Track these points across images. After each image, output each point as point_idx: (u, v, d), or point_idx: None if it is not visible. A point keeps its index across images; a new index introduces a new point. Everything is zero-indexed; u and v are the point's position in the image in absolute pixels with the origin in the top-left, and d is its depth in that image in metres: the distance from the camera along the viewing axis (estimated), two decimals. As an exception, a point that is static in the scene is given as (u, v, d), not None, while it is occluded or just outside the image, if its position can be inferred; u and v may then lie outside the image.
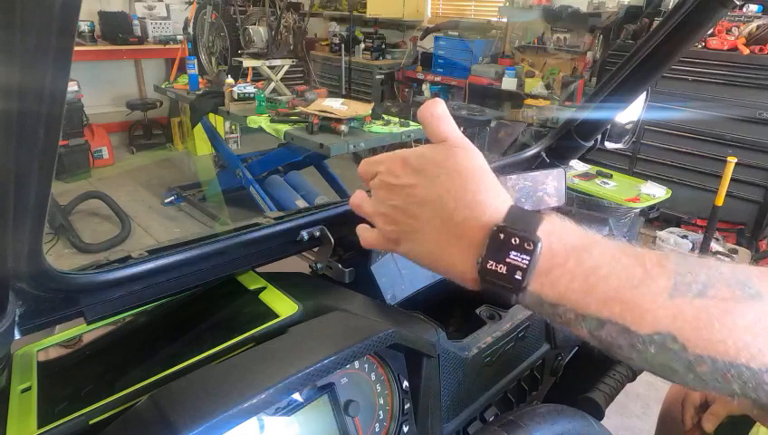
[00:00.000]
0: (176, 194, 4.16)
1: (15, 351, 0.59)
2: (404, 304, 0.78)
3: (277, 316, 0.60)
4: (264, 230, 0.69)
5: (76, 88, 4.46)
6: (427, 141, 0.49)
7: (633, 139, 1.14)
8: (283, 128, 3.12)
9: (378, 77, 5.54)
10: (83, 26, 5.20)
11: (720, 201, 2.86)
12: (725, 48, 3.37)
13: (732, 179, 2.84)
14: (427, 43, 5.46)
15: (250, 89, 3.58)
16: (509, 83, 4.69)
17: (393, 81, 5.64)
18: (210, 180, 4.21)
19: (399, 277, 0.79)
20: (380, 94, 5.55)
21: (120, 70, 5.71)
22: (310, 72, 6.03)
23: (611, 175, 3.14)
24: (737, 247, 3.25)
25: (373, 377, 0.61)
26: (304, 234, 0.72)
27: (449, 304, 0.86)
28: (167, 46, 5.51)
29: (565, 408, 0.65)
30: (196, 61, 4.09)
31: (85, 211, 3.77)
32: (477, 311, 0.80)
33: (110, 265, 0.57)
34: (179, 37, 5.42)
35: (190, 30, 4.99)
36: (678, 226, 3.60)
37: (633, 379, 0.98)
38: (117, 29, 5.29)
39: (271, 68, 4.23)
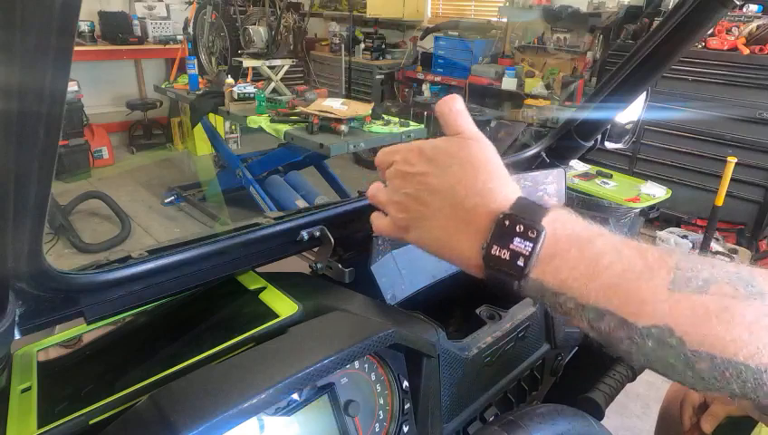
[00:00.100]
0: (176, 194, 4.16)
1: (15, 351, 0.59)
2: (404, 304, 0.78)
3: (277, 316, 0.60)
4: (264, 230, 0.69)
5: (76, 88, 4.46)
6: (442, 134, 0.50)
7: (633, 139, 1.14)
8: (283, 128, 3.12)
9: (378, 77, 5.54)
10: (83, 26, 5.20)
11: (720, 201, 2.86)
12: (725, 48, 3.37)
13: (732, 179, 2.84)
14: (427, 43, 5.46)
15: (250, 89, 3.58)
16: (509, 83, 4.69)
17: (393, 81, 5.64)
18: (210, 180, 4.21)
19: (399, 277, 0.79)
20: (380, 94, 5.55)
21: (120, 70, 5.71)
22: (310, 72, 6.03)
23: (611, 175, 3.14)
24: (737, 247, 3.25)
25: (373, 377, 0.61)
26: (304, 234, 0.72)
27: (449, 304, 0.86)
28: (167, 46, 5.51)
29: (565, 408, 0.65)
30: (196, 61, 4.09)
31: (85, 211, 3.77)
32: (477, 311, 0.80)
33: (110, 265, 0.57)
34: (179, 37, 5.42)
35: (190, 30, 4.99)
36: (678, 226, 3.60)
37: (633, 379, 0.98)
38: (117, 29, 5.29)
39: (271, 68, 4.23)
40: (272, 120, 3.25)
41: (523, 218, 0.41)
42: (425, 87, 5.34)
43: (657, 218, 3.48)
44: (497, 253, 0.42)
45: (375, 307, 0.68)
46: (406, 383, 0.63)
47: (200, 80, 4.08)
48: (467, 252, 0.44)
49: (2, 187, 0.35)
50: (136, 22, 5.48)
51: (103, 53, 5.26)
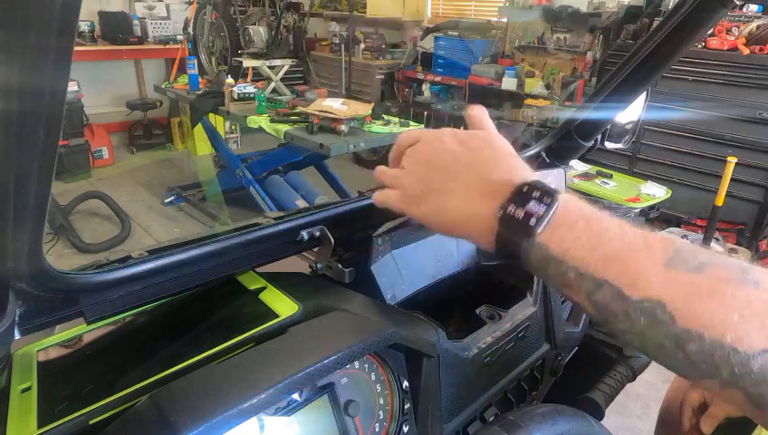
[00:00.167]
0: (176, 194, 4.16)
1: (15, 351, 0.59)
2: (404, 304, 0.78)
3: (277, 316, 0.60)
4: (264, 230, 0.69)
5: (76, 88, 4.46)
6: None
7: (633, 139, 1.14)
8: (283, 128, 3.12)
9: (378, 77, 5.54)
10: (83, 26, 5.20)
11: (720, 201, 2.86)
12: (725, 48, 3.37)
13: (732, 179, 2.84)
14: (427, 43, 5.45)
15: (250, 89, 3.58)
16: (509, 83, 4.69)
17: (393, 81, 5.64)
18: (210, 180, 4.21)
19: (399, 277, 0.79)
20: (380, 94, 5.54)
21: (120, 70, 5.71)
22: (310, 72, 6.02)
23: (611, 175, 3.14)
24: (737, 247, 3.25)
25: (373, 377, 0.61)
26: (304, 234, 0.72)
27: (449, 304, 0.86)
28: (167, 46, 5.51)
29: (565, 408, 0.65)
30: (196, 61, 4.09)
31: (85, 211, 3.77)
32: (477, 311, 0.80)
33: (110, 265, 0.57)
34: (179, 37, 5.42)
35: (190, 30, 4.99)
36: (678, 226, 3.60)
37: (633, 379, 0.98)
38: (117, 29, 5.29)
39: (271, 68, 4.23)
40: (272, 120, 3.25)
41: (542, 186, 0.45)
42: (425, 87, 5.34)
43: (657, 218, 3.47)
44: (512, 212, 0.45)
45: (375, 307, 0.68)
46: (406, 383, 0.63)
47: (200, 80, 4.08)
48: (484, 213, 0.47)
49: (2, 187, 0.35)
50: (136, 22, 5.48)
51: (103, 53, 5.26)
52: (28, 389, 0.53)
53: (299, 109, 3.23)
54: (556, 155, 1.11)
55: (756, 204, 3.41)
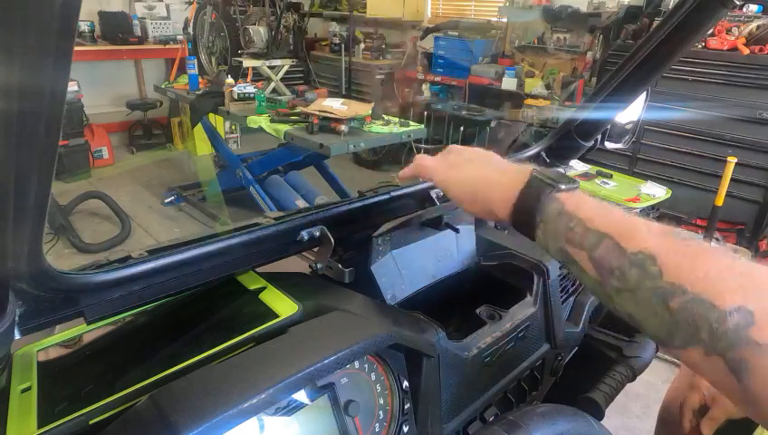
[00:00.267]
0: (176, 194, 4.16)
1: (15, 351, 0.59)
2: (404, 304, 0.78)
3: (277, 316, 0.60)
4: (264, 230, 0.69)
5: (76, 88, 4.46)
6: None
7: (633, 139, 1.14)
8: (283, 128, 3.12)
9: (378, 77, 5.54)
10: (83, 26, 5.20)
11: (720, 201, 2.86)
12: (725, 48, 3.37)
13: (732, 179, 2.84)
14: (427, 43, 5.45)
15: (250, 89, 3.58)
16: (509, 83, 4.69)
17: (393, 81, 5.64)
18: (210, 180, 4.21)
19: (399, 277, 0.79)
20: (380, 94, 5.54)
21: (120, 70, 5.71)
22: (310, 72, 6.02)
23: (611, 175, 3.13)
24: (737, 247, 3.25)
25: (373, 377, 0.61)
26: (304, 234, 0.72)
27: (449, 304, 0.86)
28: (167, 46, 5.51)
29: (565, 408, 0.65)
30: (196, 61, 4.08)
31: (85, 211, 3.77)
32: (477, 311, 0.80)
33: (110, 265, 0.57)
34: (179, 37, 5.42)
35: (190, 30, 4.99)
36: (678, 226, 3.59)
37: (633, 379, 0.98)
38: (117, 29, 5.29)
39: (271, 68, 4.23)
40: (272, 120, 3.25)
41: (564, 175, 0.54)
42: (425, 87, 5.34)
43: (657, 218, 3.47)
44: (542, 174, 0.53)
45: (375, 307, 0.68)
46: (406, 383, 0.63)
47: (200, 80, 4.08)
48: (506, 183, 0.55)
49: (2, 187, 0.35)
50: (136, 22, 5.47)
51: (103, 53, 5.25)
52: (28, 389, 0.53)
53: (299, 109, 3.23)
54: (556, 155, 1.11)
55: (756, 204, 3.41)
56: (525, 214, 0.52)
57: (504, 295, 0.84)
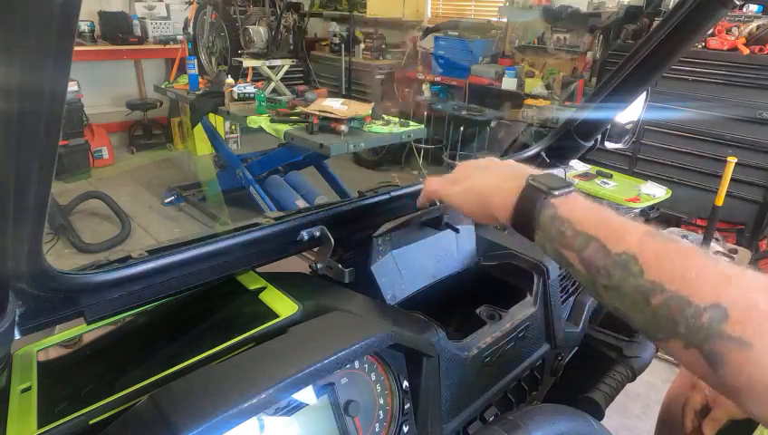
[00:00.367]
0: (176, 194, 4.16)
1: (15, 351, 0.59)
2: (404, 304, 0.78)
3: (277, 316, 0.60)
4: (264, 230, 0.69)
5: (76, 88, 4.46)
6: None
7: (633, 139, 1.14)
8: (283, 128, 3.12)
9: (378, 77, 5.54)
10: (83, 26, 5.20)
11: (720, 201, 2.85)
12: (725, 48, 3.37)
13: (732, 179, 2.84)
14: (427, 43, 5.45)
15: (250, 89, 3.58)
16: (509, 83, 4.68)
17: (393, 81, 5.64)
18: (210, 180, 4.21)
19: (399, 277, 0.79)
20: (380, 94, 5.54)
21: (120, 70, 5.71)
22: (310, 72, 6.02)
23: (611, 175, 3.13)
24: (737, 247, 3.25)
25: (373, 377, 0.61)
26: (304, 234, 0.72)
27: (449, 304, 0.86)
28: (167, 46, 5.51)
29: (565, 408, 0.65)
30: (196, 61, 4.08)
31: (85, 211, 3.77)
32: (477, 311, 0.80)
33: (110, 265, 0.57)
34: (179, 37, 5.42)
35: (190, 30, 4.98)
36: (678, 226, 3.59)
37: (633, 379, 0.98)
38: (117, 29, 5.29)
39: (271, 68, 4.23)
40: (272, 120, 3.25)
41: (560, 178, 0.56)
42: (425, 87, 5.34)
43: (657, 218, 3.47)
44: (538, 179, 0.56)
45: (375, 307, 0.68)
46: (406, 383, 0.63)
47: (200, 80, 4.08)
48: (507, 188, 0.58)
49: (2, 187, 0.35)
50: (136, 22, 5.47)
51: (103, 53, 5.25)
52: (28, 389, 0.53)
53: (299, 109, 3.23)
54: (556, 155, 1.11)
55: (756, 204, 3.41)
56: (523, 218, 0.56)
57: (503, 295, 0.84)
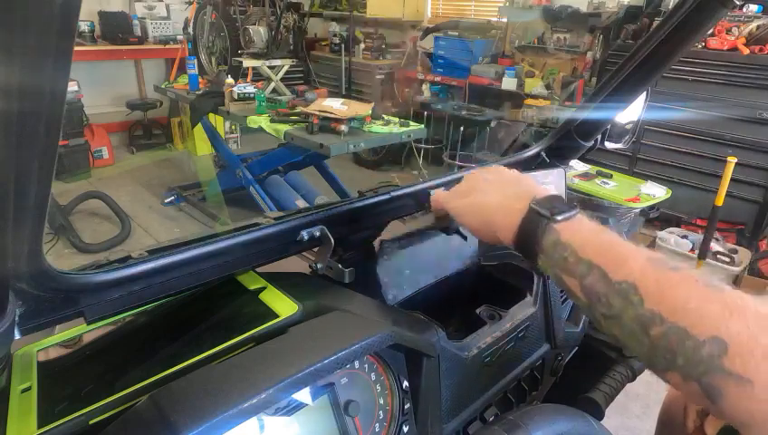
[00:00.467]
0: (176, 194, 4.16)
1: (15, 351, 0.59)
2: (404, 304, 0.78)
3: (277, 316, 0.60)
4: (264, 230, 0.69)
5: (76, 88, 4.46)
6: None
7: (633, 139, 1.14)
8: (283, 128, 3.12)
9: (378, 77, 5.54)
10: (83, 26, 5.20)
11: (720, 201, 2.86)
12: (725, 48, 3.37)
13: (732, 179, 2.84)
14: (427, 43, 5.45)
15: (250, 89, 3.58)
16: (509, 83, 4.69)
17: (393, 81, 5.64)
18: (210, 180, 4.21)
19: (399, 277, 0.79)
20: (380, 94, 5.54)
21: (120, 70, 5.71)
22: (310, 72, 6.02)
23: (611, 175, 3.13)
24: (737, 247, 3.25)
25: (373, 377, 0.61)
26: (304, 234, 0.72)
27: (449, 304, 0.86)
28: (167, 46, 5.51)
29: (565, 408, 0.65)
30: (196, 61, 4.08)
31: (85, 211, 3.77)
32: (477, 311, 0.80)
33: (110, 265, 0.57)
34: (179, 37, 5.42)
35: (190, 30, 4.98)
36: (678, 226, 3.60)
37: (633, 379, 0.98)
38: (117, 29, 5.29)
39: (271, 68, 4.23)
40: (272, 120, 3.25)
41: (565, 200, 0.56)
42: (425, 87, 5.34)
43: (657, 218, 3.47)
44: (542, 203, 0.55)
45: (375, 307, 0.69)
46: (406, 383, 0.63)
47: (200, 80, 4.08)
48: (512, 209, 0.57)
49: (2, 187, 0.35)
50: (136, 22, 5.47)
51: (103, 53, 5.25)
52: (28, 389, 0.53)
53: (299, 109, 3.23)
54: (556, 155, 1.11)
55: (756, 204, 3.41)
56: (526, 243, 0.55)
57: (504, 295, 0.84)
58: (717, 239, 3.26)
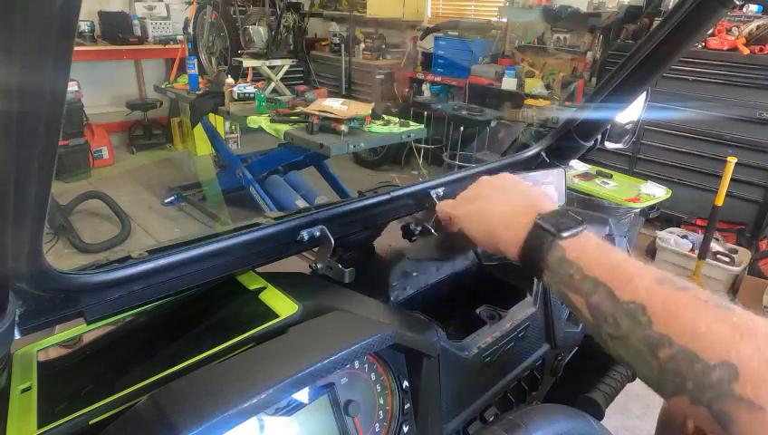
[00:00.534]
0: (176, 194, 4.16)
1: (15, 351, 0.59)
2: (404, 304, 0.78)
3: (277, 316, 0.60)
4: (264, 230, 0.69)
5: (76, 88, 4.46)
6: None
7: (633, 139, 1.14)
8: (283, 128, 3.12)
9: (378, 77, 5.54)
10: (83, 26, 5.20)
11: (720, 201, 2.86)
12: (725, 48, 3.37)
13: (732, 179, 2.84)
14: (427, 43, 5.45)
15: (250, 89, 3.58)
16: (509, 83, 4.69)
17: (393, 81, 5.64)
18: (210, 180, 4.21)
19: (400, 277, 0.79)
20: (380, 94, 5.55)
21: (120, 70, 5.71)
22: (310, 72, 6.02)
23: (611, 175, 3.14)
24: (737, 247, 3.25)
25: (373, 377, 0.61)
26: (304, 234, 0.72)
27: (449, 304, 0.86)
28: (167, 46, 5.51)
29: (565, 408, 0.65)
30: (196, 61, 4.08)
31: (85, 211, 3.77)
32: (477, 311, 0.80)
33: (110, 265, 0.57)
34: (179, 37, 5.42)
35: (190, 30, 4.99)
36: (678, 226, 3.60)
37: (633, 379, 0.98)
38: (117, 29, 5.29)
39: (271, 68, 4.23)
40: (272, 120, 3.25)
41: (574, 212, 0.55)
42: (425, 87, 5.34)
43: (657, 218, 3.47)
44: (548, 219, 0.54)
45: (375, 307, 0.68)
46: (406, 383, 0.63)
47: (200, 80, 4.08)
48: (519, 223, 0.56)
49: (2, 187, 0.35)
50: (136, 22, 5.47)
51: (103, 53, 5.25)
52: (28, 389, 0.53)
53: (299, 109, 3.23)
54: (556, 155, 1.11)
55: (756, 204, 3.41)
56: (531, 258, 0.54)
57: (504, 295, 0.84)
58: (717, 239, 3.26)
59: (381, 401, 0.61)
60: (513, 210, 0.58)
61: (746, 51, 3.28)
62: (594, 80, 4.22)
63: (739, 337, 0.39)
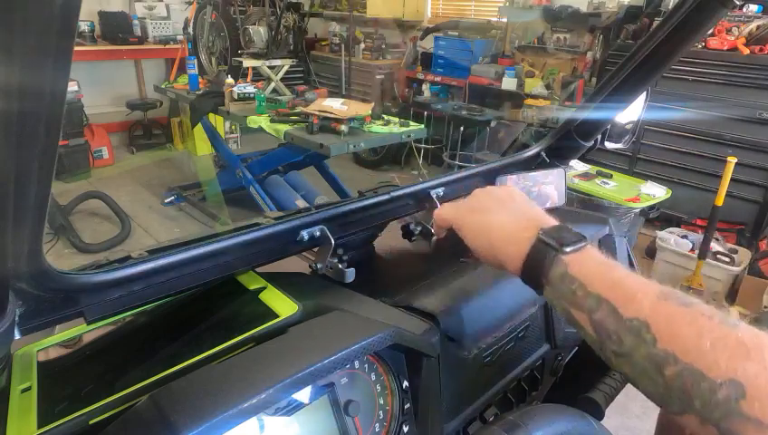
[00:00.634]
0: (176, 194, 4.16)
1: (15, 351, 0.59)
2: (404, 304, 0.78)
3: (277, 316, 0.60)
4: (264, 230, 0.69)
5: (76, 88, 4.46)
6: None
7: (633, 139, 1.14)
8: (283, 128, 3.12)
9: (378, 77, 5.54)
10: (83, 26, 5.20)
11: (720, 201, 2.86)
12: (725, 48, 3.37)
13: (732, 179, 2.84)
14: (427, 43, 5.45)
15: (250, 89, 3.58)
16: (509, 83, 4.69)
17: (393, 81, 5.64)
18: (210, 180, 4.21)
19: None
20: (380, 94, 5.55)
21: (120, 70, 5.71)
22: (310, 72, 6.02)
23: (611, 175, 3.14)
24: (737, 247, 3.25)
25: (373, 377, 0.61)
26: (304, 234, 0.72)
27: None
28: (167, 46, 5.51)
29: (565, 408, 0.65)
30: (196, 61, 4.08)
31: (85, 211, 3.77)
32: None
33: (109, 265, 0.57)
34: (179, 37, 5.42)
35: (190, 30, 4.99)
36: (678, 226, 3.60)
37: (633, 379, 0.98)
38: (117, 29, 5.29)
39: (271, 68, 4.23)
40: (272, 120, 3.25)
41: (574, 230, 0.55)
42: (425, 87, 5.34)
43: (657, 218, 3.47)
44: (550, 234, 0.54)
45: (375, 307, 0.68)
46: (406, 383, 0.63)
47: (200, 80, 4.08)
48: (520, 237, 0.56)
49: (2, 187, 0.35)
50: (136, 22, 5.48)
51: (103, 53, 5.26)
52: (28, 389, 0.53)
53: (299, 109, 3.23)
54: (556, 155, 1.11)
55: (756, 204, 3.41)
56: (533, 273, 0.54)
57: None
58: (717, 239, 3.26)
59: (381, 401, 0.61)
60: (516, 225, 0.58)
61: (746, 51, 3.28)
62: (594, 80, 4.22)
63: (745, 354, 0.39)
